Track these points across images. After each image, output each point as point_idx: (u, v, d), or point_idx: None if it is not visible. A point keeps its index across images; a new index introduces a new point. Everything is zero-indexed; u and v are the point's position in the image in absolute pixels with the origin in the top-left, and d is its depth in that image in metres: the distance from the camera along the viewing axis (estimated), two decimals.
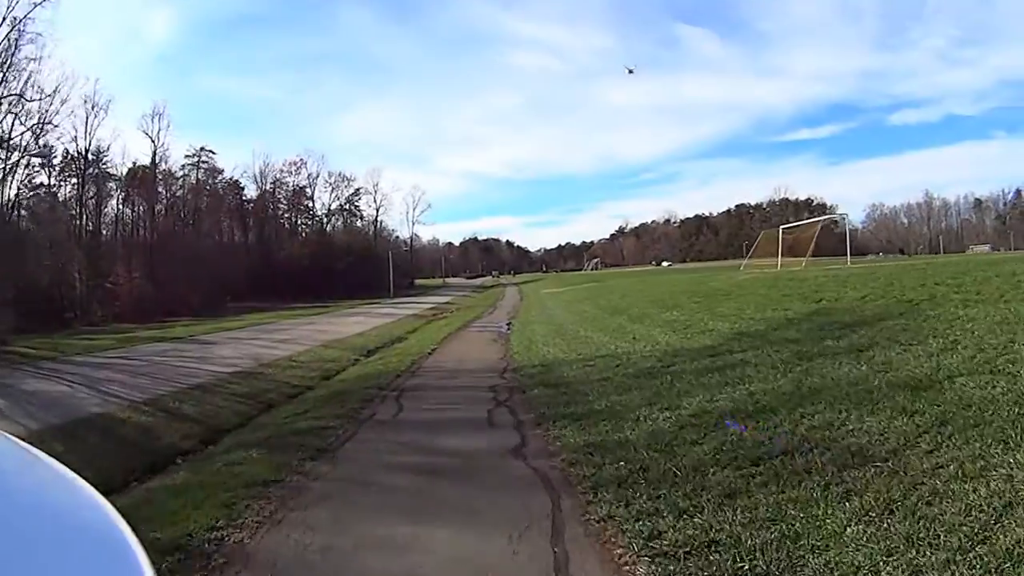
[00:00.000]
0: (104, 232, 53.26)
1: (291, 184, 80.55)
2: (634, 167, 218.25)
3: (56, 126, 40.98)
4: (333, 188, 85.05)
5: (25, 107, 37.70)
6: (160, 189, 59.64)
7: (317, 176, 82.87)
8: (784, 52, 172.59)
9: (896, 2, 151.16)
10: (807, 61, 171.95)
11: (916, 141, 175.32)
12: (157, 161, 56.47)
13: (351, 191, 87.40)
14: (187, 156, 65.36)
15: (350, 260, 73.24)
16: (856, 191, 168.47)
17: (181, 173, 63.80)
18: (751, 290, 16.96)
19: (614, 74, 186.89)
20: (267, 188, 77.70)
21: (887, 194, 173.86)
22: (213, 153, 68.13)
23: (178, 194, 63.42)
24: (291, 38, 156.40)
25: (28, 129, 37.78)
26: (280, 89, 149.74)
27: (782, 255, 34.86)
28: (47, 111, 38.49)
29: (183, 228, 61.84)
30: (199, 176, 66.25)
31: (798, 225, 41.33)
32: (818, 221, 40.35)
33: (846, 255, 35.09)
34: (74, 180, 48.92)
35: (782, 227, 37.48)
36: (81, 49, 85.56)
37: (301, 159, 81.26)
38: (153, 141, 55.44)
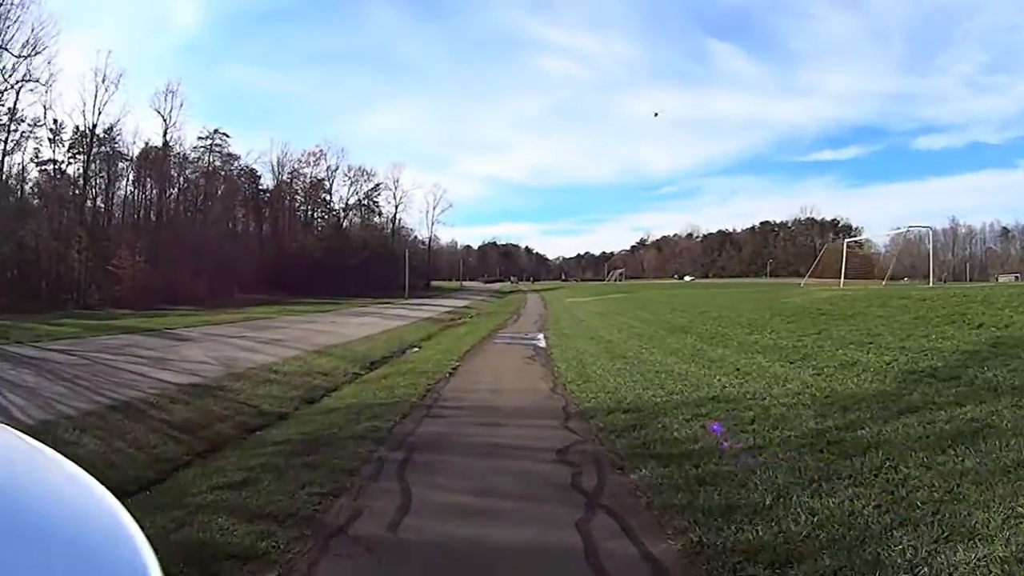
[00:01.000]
0: (114, 213, 51.13)
1: (309, 176, 77.67)
2: (655, 180, 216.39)
3: (37, 81, 38.82)
4: (352, 182, 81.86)
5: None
6: (173, 172, 57.29)
7: (336, 169, 79.68)
8: (811, 71, 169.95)
9: (925, 26, 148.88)
10: (833, 81, 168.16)
11: (939, 167, 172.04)
12: (168, 141, 53.86)
13: (371, 186, 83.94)
14: (200, 138, 62.59)
15: (365, 256, 70.28)
16: (880, 214, 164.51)
17: (194, 156, 61.29)
18: (859, 310, 13.25)
19: (639, 85, 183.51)
20: (284, 178, 74.88)
21: (910, 218, 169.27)
22: (227, 136, 65.25)
23: (191, 178, 60.85)
24: (318, 34, 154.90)
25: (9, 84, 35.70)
26: (304, 84, 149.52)
27: (845, 275, 31.06)
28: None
29: (194, 214, 59.24)
30: (211, 160, 63.28)
31: (859, 241, 37.37)
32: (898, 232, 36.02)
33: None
34: (82, 157, 46.42)
35: (847, 240, 33.58)
36: (107, 35, 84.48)
37: (320, 150, 78.07)
38: (165, 120, 52.75)
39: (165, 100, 52.47)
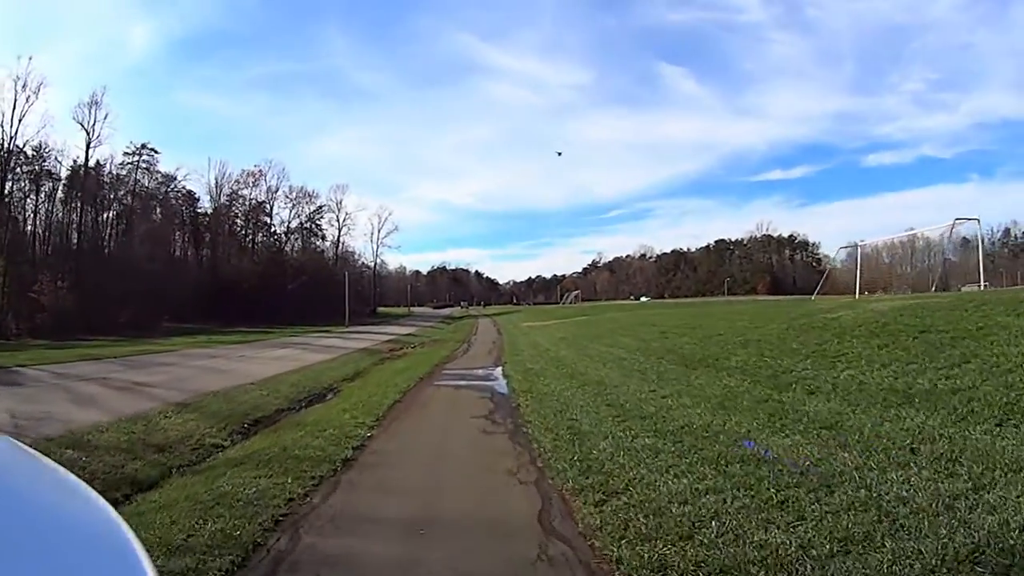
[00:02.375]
0: (38, 235, 46.25)
1: (248, 198, 71.45)
2: (605, 203, 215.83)
3: None
4: (294, 204, 75.57)
5: None
6: (108, 194, 52.52)
7: (277, 190, 73.45)
8: (761, 93, 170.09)
9: (875, 46, 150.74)
10: (783, 102, 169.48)
11: (891, 183, 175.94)
12: (91, 156, 48.73)
13: (313, 208, 78.04)
14: (127, 154, 56.53)
15: (303, 281, 64.41)
16: (830, 231, 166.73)
17: (120, 172, 55.68)
18: (974, 324, 9.06)
19: (590, 110, 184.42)
20: (222, 201, 68.62)
21: (865, 233, 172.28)
22: (156, 152, 59.05)
23: (125, 200, 55.26)
24: (267, 58, 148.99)
25: None
26: (252, 108, 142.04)
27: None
28: None
29: (128, 237, 53.69)
30: (138, 178, 56.88)
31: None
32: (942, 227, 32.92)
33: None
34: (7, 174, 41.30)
35: (859, 243, 30.05)
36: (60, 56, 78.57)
37: (260, 170, 71.76)
38: (88, 133, 47.39)
39: (89, 112, 47.29)
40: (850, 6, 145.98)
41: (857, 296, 28.03)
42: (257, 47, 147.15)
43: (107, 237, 52.50)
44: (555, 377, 12.83)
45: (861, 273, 30.45)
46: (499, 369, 16.17)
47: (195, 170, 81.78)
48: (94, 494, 1.15)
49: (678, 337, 16.11)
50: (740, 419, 6.85)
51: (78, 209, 48.18)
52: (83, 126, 46.83)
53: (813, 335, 11.54)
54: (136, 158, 57.04)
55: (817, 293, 30.16)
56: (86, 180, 48.50)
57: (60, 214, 47.91)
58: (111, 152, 54.20)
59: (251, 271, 62.96)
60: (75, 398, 11.22)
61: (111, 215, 53.44)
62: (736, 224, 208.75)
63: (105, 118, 47.60)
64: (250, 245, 70.83)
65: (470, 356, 21.51)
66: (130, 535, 0.98)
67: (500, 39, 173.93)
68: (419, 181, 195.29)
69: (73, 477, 1.25)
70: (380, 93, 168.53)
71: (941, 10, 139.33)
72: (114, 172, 54.58)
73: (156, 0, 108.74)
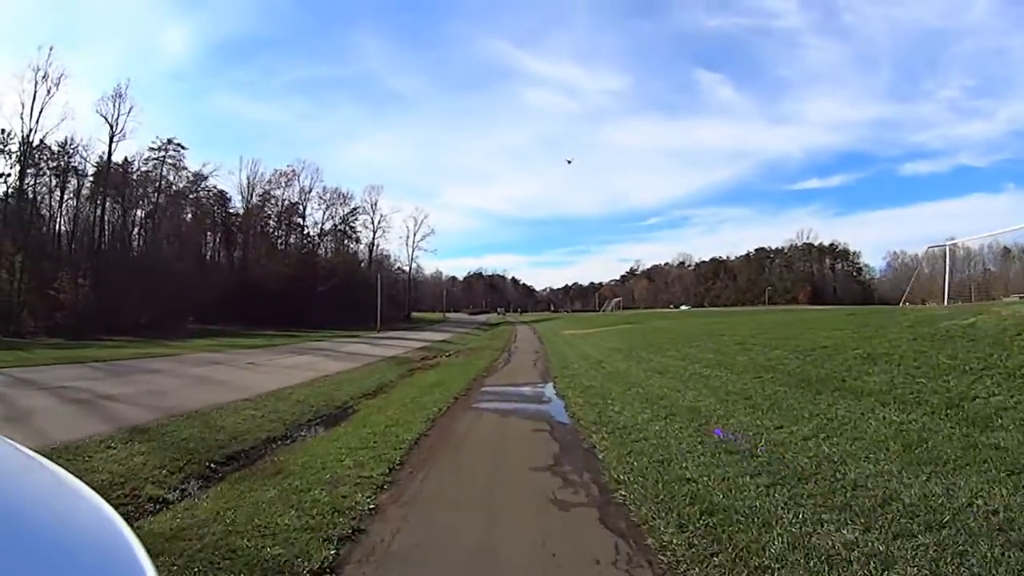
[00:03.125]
0: (68, 232, 45.40)
1: (281, 198, 70.00)
2: (642, 211, 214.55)
3: None
4: (328, 206, 73.99)
5: None
6: (136, 191, 51.47)
7: (310, 191, 71.63)
8: (797, 100, 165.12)
9: (911, 51, 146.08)
10: (820, 109, 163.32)
11: (928, 192, 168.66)
12: (114, 150, 47.13)
13: (347, 210, 76.34)
14: (152, 149, 55.07)
15: (334, 283, 62.56)
16: (866, 240, 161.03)
17: (146, 169, 54.52)
18: None
19: (626, 116, 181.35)
20: (254, 201, 67.29)
21: (905, 243, 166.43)
22: (183, 148, 57.58)
23: (153, 198, 54.07)
24: (304, 63, 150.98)
25: None
26: (288, 113, 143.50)
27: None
28: None
29: (150, 236, 52.63)
30: (163, 173, 55.61)
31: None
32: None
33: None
34: (31, 169, 41.32)
35: (948, 245, 26.43)
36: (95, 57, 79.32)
37: (293, 170, 70.14)
38: (111, 126, 45.86)
39: (113, 105, 45.79)
40: (887, 11, 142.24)
41: (946, 302, 24.73)
42: (292, 51, 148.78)
43: (133, 235, 51.52)
44: (627, 400, 9.96)
45: (951, 276, 26.75)
46: (550, 386, 13.32)
47: (222, 165, 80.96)
48: (93, 494, 1.13)
49: (766, 350, 13.04)
50: (976, 484, 3.94)
51: (102, 206, 46.98)
52: (106, 119, 45.54)
53: (958, 347, 8.59)
54: (163, 153, 55.72)
55: (904, 300, 26.95)
56: (108, 175, 47.23)
57: (86, 211, 46.86)
58: (138, 149, 53.57)
59: (280, 273, 61.21)
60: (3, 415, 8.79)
61: (139, 213, 52.43)
62: (773, 232, 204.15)
63: (129, 111, 46.22)
64: (282, 246, 69.31)
65: (512, 369, 18.70)
66: (132, 539, 0.96)
67: (534, 44, 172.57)
68: (454, 186, 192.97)
69: (71, 477, 1.22)
70: (414, 98, 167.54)
71: (978, 14, 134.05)
72: (141, 168, 53.65)
73: (191, 3, 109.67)
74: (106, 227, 47.52)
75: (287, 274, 61.35)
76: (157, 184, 54.58)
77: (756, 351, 13.40)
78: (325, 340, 34.69)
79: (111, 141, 46.02)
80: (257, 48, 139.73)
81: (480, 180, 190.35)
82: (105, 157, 46.69)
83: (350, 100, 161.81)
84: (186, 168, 58.13)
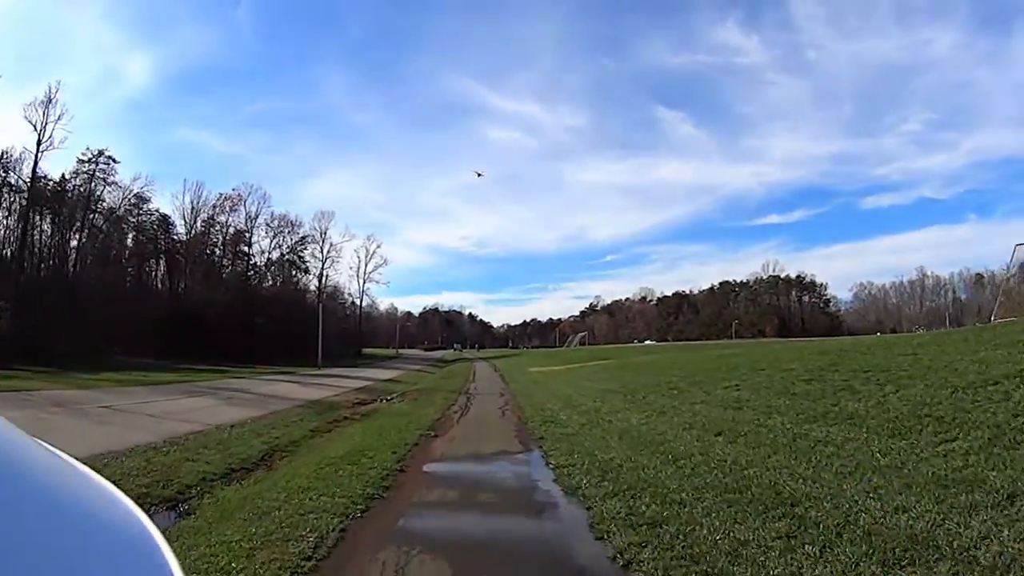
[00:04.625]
0: None
1: (225, 224, 63.61)
2: (601, 248, 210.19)
3: None
4: (276, 233, 67.29)
5: None
6: (78, 210, 46.29)
7: (257, 217, 65.10)
8: (758, 136, 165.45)
9: (873, 86, 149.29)
10: (780, 145, 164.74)
11: (890, 225, 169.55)
12: (39, 159, 41.67)
13: (296, 238, 69.68)
14: (81, 161, 48.53)
15: (273, 314, 56.26)
16: (838, 272, 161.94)
17: (76, 183, 48.23)
18: None
19: (586, 154, 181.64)
20: (198, 227, 61.16)
21: (869, 275, 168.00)
22: (114, 161, 50.60)
23: (91, 219, 48.02)
24: (265, 96, 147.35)
25: None
26: (247, 147, 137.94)
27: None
28: None
29: (90, 260, 47.11)
30: (93, 188, 48.75)
31: None
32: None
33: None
34: None
35: None
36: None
37: (239, 194, 63.63)
38: (39, 133, 40.51)
39: (42, 112, 40.27)
40: (849, 47, 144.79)
41: None
42: (254, 85, 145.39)
43: (60, 257, 45.40)
44: (695, 494, 4.95)
45: None
46: (538, 459, 8.25)
47: (155, 181, 73.98)
48: (121, 495, 1.06)
49: (882, 386, 8.28)
50: None
51: (24, 222, 41.30)
52: (34, 126, 40.11)
53: None
54: (92, 167, 49.03)
55: (995, 316, 23.15)
56: (34, 188, 41.75)
57: (7, 228, 41.55)
58: (71, 165, 47.76)
59: (219, 302, 54.69)
60: None
61: (76, 235, 46.48)
62: (732, 267, 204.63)
63: (58, 119, 40.84)
64: (226, 275, 62.62)
65: (473, 421, 13.50)
66: (159, 537, 0.93)
67: (498, 81, 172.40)
68: (412, 224, 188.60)
69: (100, 477, 1.12)
70: (376, 134, 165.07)
71: (941, 48, 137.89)
72: (73, 183, 47.77)
73: (153, 34, 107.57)
74: (34, 247, 42.42)
75: (225, 304, 54.90)
76: (86, 202, 47.88)
77: (866, 391, 8.62)
78: (247, 378, 28.74)
79: (38, 149, 40.82)
80: (218, 80, 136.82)
81: (439, 217, 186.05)
82: (33, 169, 41.57)
83: (311, 135, 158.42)
84: (116, 183, 51.28)
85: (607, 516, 5.08)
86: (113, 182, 50.85)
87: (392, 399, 19.51)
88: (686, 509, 5.10)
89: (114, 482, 2.60)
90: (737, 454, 7.00)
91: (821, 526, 4.39)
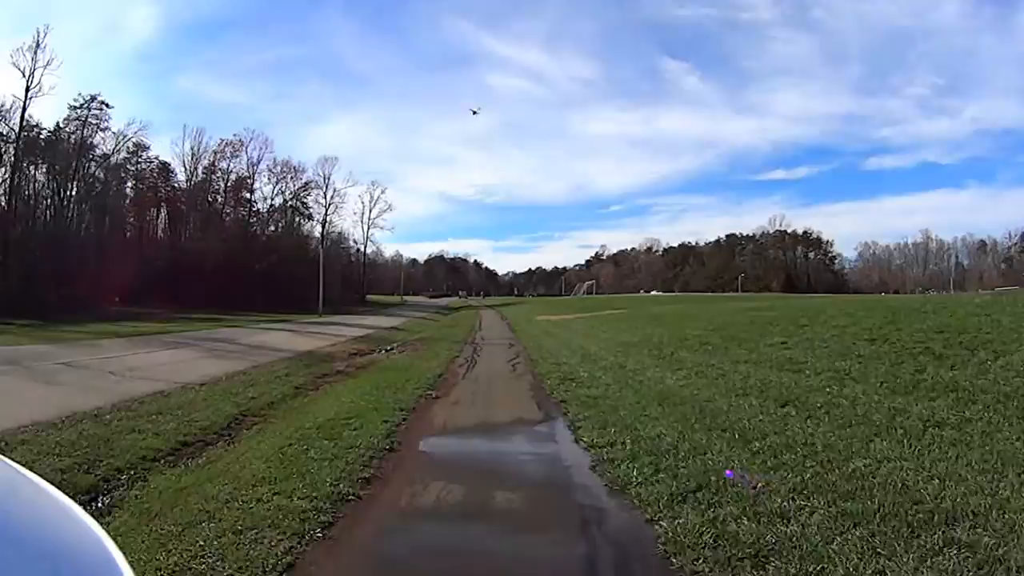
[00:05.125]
0: None
1: (227, 171, 61.58)
2: (606, 198, 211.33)
3: None
4: (278, 179, 65.01)
5: None
6: (63, 160, 44.19)
7: (259, 162, 62.82)
8: (764, 91, 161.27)
9: (881, 48, 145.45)
10: (786, 101, 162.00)
11: (893, 187, 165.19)
12: (27, 106, 40.05)
13: (299, 184, 67.45)
14: (72, 107, 46.27)
15: (272, 261, 54.66)
16: (842, 231, 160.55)
17: (65, 130, 46.06)
18: None
19: (592, 103, 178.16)
20: (199, 174, 59.26)
21: (872, 235, 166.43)
22: (107, 107, 48.24)
23: (86, 168, 46.47)
24: (268, 43, 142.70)
25: None
26: (253, 95, 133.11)
27: None
28: None
29: (72, 207, 45.22)
30: (86, 134, 46.62)
31: None
32: None
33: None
34: None
35: None
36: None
37: (240, 140, 61.17)
38: (27, 80, 39.11)
39: (30, 58, 38.83)
40: (857, 7, 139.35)
41: None
42: (258, 32, 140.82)
43: (56, 208, 43.83)
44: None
45: None
46: (562, 429, 6.72)
47: (150, 124, 71.77)
48: (75, 506, 1.06)
49: (933, 358, 6.69)
50: None
51: (16, 172, 39.88)
52: (22, 72, 38.72)
53: None
54: (84, 111, 46.55)
55: None
56: (21, 136, 40.08)
57: (2, 180, 39.84)
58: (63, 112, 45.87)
59: (218, 250, 53.16)
60: None
61: (65, 184, 44.55)
62: (736, 221, 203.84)
63: (47, 64, 39.37)
64: (224, 221, 60.91)
65: (481, 378, 11.95)
66: (113, 548, 0.93)
67: (503, 28, 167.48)
68: (419, 171, 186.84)
69: (52, 488, 1.14)
70: (380, 81, 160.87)
71: (947, 15, 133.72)
72: (68, 134, 45.78)
73: None
74: (29, 199, 41.37)
75: (225, 251, 53.34)
76: (79, 149, 45.66)
77: (956, 356, 6.99)
78: (241, 327, 27.35)
79: (26, 96, 39.48)
80: (223, 29, 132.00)
81: (446, 165, 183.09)
82: (21, 116, 39.96)
83: (315, 82, 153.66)
84: (109, 129, 49.04)
85: (685, 542, 3.44)
86: (107, 127, 48.91)
87: (392, 349, 17.99)
88: (793, 527, 3.50)
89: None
90: (825, 435, 5.38)
91: (1009, 564, 2.81)
